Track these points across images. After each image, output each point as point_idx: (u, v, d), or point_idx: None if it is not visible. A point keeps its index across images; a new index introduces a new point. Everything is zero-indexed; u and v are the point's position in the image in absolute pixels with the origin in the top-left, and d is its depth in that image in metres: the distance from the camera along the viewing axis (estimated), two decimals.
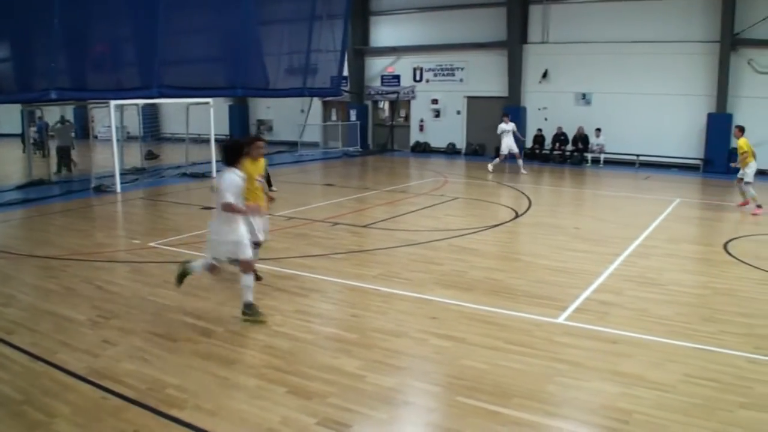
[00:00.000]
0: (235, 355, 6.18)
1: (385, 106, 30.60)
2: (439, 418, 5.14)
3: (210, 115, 20.28)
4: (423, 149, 28.84)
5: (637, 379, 5.74)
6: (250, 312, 7.00)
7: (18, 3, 14.65)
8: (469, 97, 27.84)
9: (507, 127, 21.45)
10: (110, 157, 17.23)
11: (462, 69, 27.78)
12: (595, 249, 10.73)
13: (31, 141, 22.23)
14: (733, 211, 14.93)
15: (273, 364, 5.95)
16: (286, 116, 30.26)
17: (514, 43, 25.69)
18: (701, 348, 6.48)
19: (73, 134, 22.69)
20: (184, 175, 19.73)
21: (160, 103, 25.85)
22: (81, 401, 5.25)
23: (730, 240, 11.70)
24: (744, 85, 22.61)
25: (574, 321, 7.22)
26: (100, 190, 16.60)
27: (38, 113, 23.21)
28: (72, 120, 25.85)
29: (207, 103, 19.95)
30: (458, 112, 28.20)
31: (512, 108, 25.73)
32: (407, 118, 29.84)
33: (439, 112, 28.64)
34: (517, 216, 13.66)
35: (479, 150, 27.57)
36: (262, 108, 33.02)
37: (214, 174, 18.61)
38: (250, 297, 7.01)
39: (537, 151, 25.46)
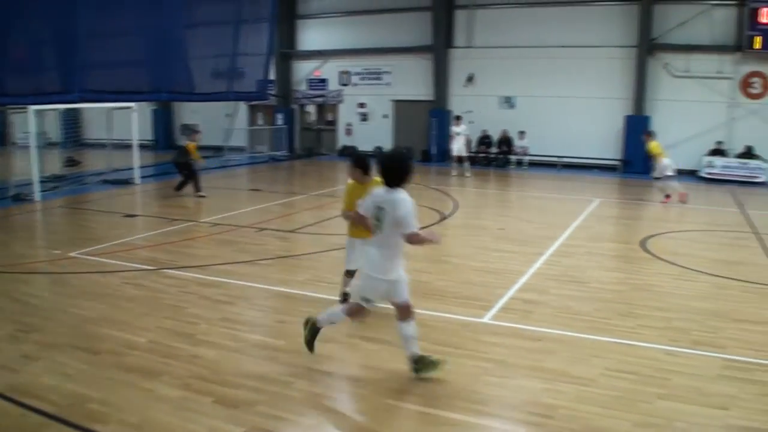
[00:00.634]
0: (159, 366, 6.03)
1: (312, 110, 30.50)
2: (368, 422, 5.14)
3: (133, 120, 19.80)
4: (350, 153, 28.81)
5: (561, 374, 5.88)
6: (423, 365, 5.80)
7: None
8: (395, 101, 28.03)
9: (458, 129, 21.66)
10: (29, 164, 16.62)
11: (389, 73, 27.95)
12: (519, 249, 10.96)
13: None
14: (650, 209, 15.48)
15: (198, 374, 5.84)
16: (212, 120, 29.77)
17: (439, 48, 26.01)
18: (621, 342, 6.70)
19: None
20: (107, 182, 19.19)
21: (81, 107, 25.06)
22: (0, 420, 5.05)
23: (648, 237, 12.14)
24: (660, 88, 23.52)
25: (499, 320, 7.35)
26: (18, 198, 15.96)
27: None
28: None
29: (130, 107, 19.45)
30: (385, 116, 28.35)
31: (438, 111, 26.06)
32: (334, 121, 29.82)
33: (366, 116, 28.73)
34: (443, 218, 13.81)
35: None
36: (187, 112, 32.40)
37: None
38: (416, 348, 5.83)
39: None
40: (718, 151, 22.82)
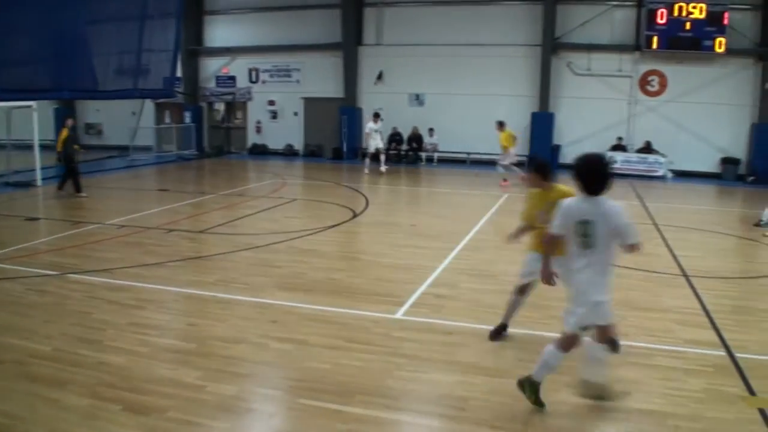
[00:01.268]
0: (65, 375, 5.77)
1: (220, 107, 29.97)
2: (282, 422, 5.10)
3: (33, 120, 18.93)
4: (261, 151, 28.55)
5: (472, 366, 5.99)
6: (599, 392, 5.32)
7: None
8: (306, 99, 27.88)
9: (376, 126, 21.63)
10: None
11: (298, 70, 27.77)
12: (430, 245, 11.09)
13: None
14: None
15: (107, 381, 5.63)
16: (117, 119, 28.85)
17: (349, 45, 26.02)
18: (530, 333, 6.89)
19: None
20: (7, 184, 18.26)
21: None
22: None
23: None
24: (564, 86, 24.29)
25: (411, 316, 7.41)
26: None
27: None
28: None
29: (30, 106, 18.60)
30: (295, 114, 28.17)
31: (348, 109, 26.08)
32: (244, 119, 29.40)
33: (276, 114, 28.46)
34: (355, 215, 13.83)
35: (317, 151, 27.69)
36: (91, 111, 31.26)
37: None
38: (602, 376, 5.34)
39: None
40: (618, 147, 23.75)
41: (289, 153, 28.18)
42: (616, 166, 23.05)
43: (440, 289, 8.47)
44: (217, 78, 29.45)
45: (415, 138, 25.30)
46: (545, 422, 5.05)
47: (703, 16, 22.29)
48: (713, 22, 22.30)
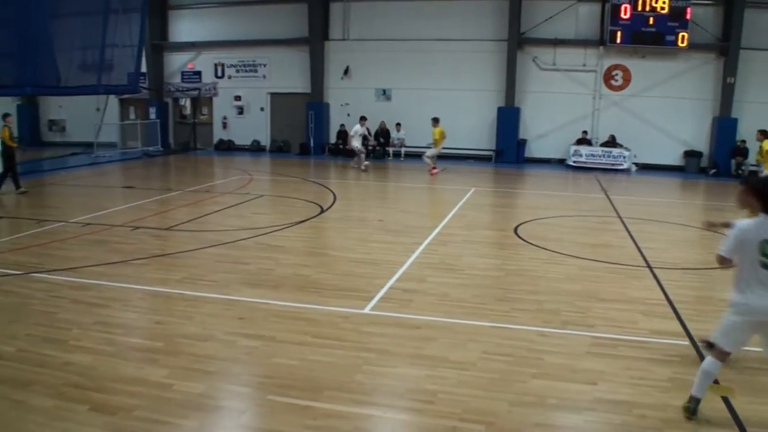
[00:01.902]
0: (30, 375, 5.65)
1: (186, 103, 29.68)
2: (251, 419, 5.05)
3: None
4: (227, 147, 28.36)
5: (441, 360, 6.00)
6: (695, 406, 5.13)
7: None
8: (272, 94, 27.74)
9: (362, 130, 21.55)
10: None
11: (264, 65, 27.61)
12: (398, 239, 11.10)
13: None
14: (522, 197, 16.07)
15: (73, 382, 5.53)
16: (81, 115, 28.40)
17: (315, 40, 25.93)
18: (497, 326, 6.92)
19: None
20: None
21: None
22: None
23: (520, 224, 12.61)
24: (530, 80, 24.49)
25: (379, 310, 7.40)
26: None
27: None
28: None
29: None
30: (262, 109, 28.02)
31: (315, 104, 26.00)
32: (210, 115, 29.15)
33: (242, 109, 28.27)
34: (322, 211, 13.79)
35: (284, 147, 27.56)
36: (54, 107, 30.70)
37: None
38: (703, 391, 5.15)
39: (341, 146, 25.89)
40: (583, 141, 24.01)
41: (255, 149, 28.02)
42: (580, 159, 23.35)
43: (408, 283, 8.48)
44: (183, 73, 29.14)
45: (383, 133, 25.31)
46: (513, 412, 5.08)
47: (666, 11, 22.61)
48: (676, 17, 22.64)
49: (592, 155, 23.54)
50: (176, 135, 29.71)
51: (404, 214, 13.73)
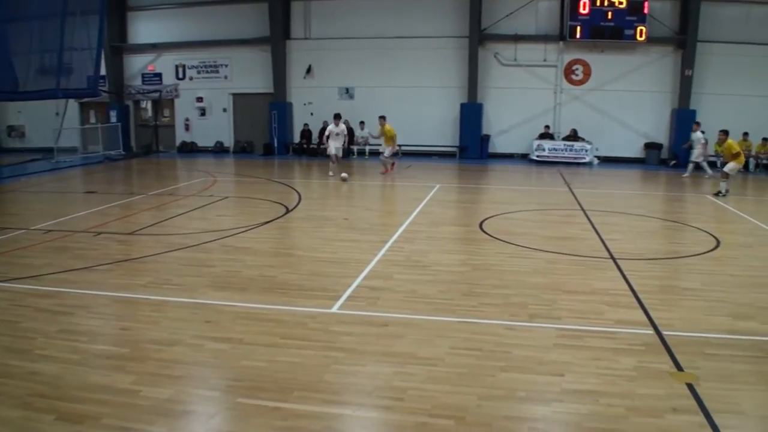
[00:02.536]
0: None
1: (147, 105, 29.32)
2: (220, 423, 5.00)
3: None
4: (190, 149, 28.08)
5: (409, 357, 6.01)
6: None
7: None
8: (234, 94, 27.54)
9: (337, 129, 21.31)
10: None
11: (226, 66, 27.39)
12: (364, 238, 11.10)
13: None
14: (487, 192, 16.17)
15: (38, 391, 5.42)
16: (40, 120, 27.89)
17: (277, 39, 25.80)
18: (464, 321, 6.96)
19: None
20: None
21: None
22: None
23: (485, 219, 12.69)
24: (492, 76, 24.66)
25: (347, 309, 7.39)
26: None
27: None
28: None
29: None
30: (224, 110, 27.79)
31: (278, 104, 25.88)
32: (172, 117, 28.84)
33: (204, 111, 28.02)
34: (287, 211, 13.73)
35: (248, 147, 27.40)
36: (13, 113, 30.07)
37: None
38: None
39: (305, 146, 25.81)
40: (546, 135, 24.24)
41: (219, 150, 27.81)
42: (543, 154, 23.58)
43: (375, 281, 8.48)
44: (143, 75, 28.78)
45: (347, 132, 25.25)
46: (482, 406, 5.11)
47: (624, 5, 22.93)
48: (634, 12, 22.99)
49: (555, 149, 23.80)
50: (138, 138, 29.32)
51: (370, 212, 13.75)
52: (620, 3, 22.96)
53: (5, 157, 26.34)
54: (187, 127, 28.39)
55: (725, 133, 17.32)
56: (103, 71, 24.62)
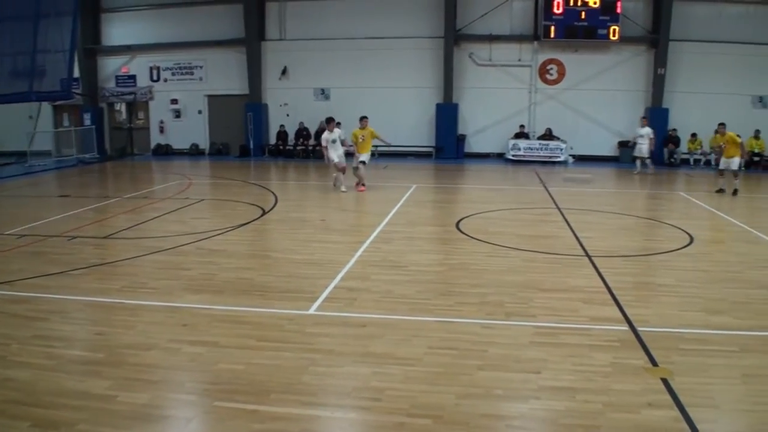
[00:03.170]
0: None
1: (121, 108, 29.05)
2: (198, 426, 4.97)
3: None
4: (165, 152, 27.88)
5: (387, 357, 6.01)
6: None
7: None
8: (210, 96, 27.38)
9: (332, 136, 21.04)
10: None
11: (201, 67, 27.23)
12: (341, 239, 11.10)
13: None
14: (463, 192, 16.22)
15: (13, 398, 5.34)
16: (13, 124, 27.46)
17: (252, 41, 25.71)
18: (441, 320, 6.98)
19: None
20: None
21: None
22: None
23: (462, 219, 12.74)
24: (467, 76, 24.75)
25: (324, 310, 7.37)
26: None
27: None
28: None
29: None
30: (200, 112, 27.63)
31: (254, 105, 25.79)
32: (146, 120, 28.60)
33: (179, 113, 27.82)
34: (264, 213, 13.67)
35: (223, 149, 27.26)
36: None
37: None
38: None
39: (281, 147, 25.72)
40: (521, 134, 24.38)
41: (194, 152, 27.64)
42: (519, 153, 23.72)
43: (352, 282, 8.47)
44: (117, 77, 28.51)
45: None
46: (460, 405, 5.13)
47: (597, 5, 23.14)
48: (607, 11, 23.22)
49: (530, 148, 23.96)
50: (112, 141, 29.03)
51: (346, 213, 13.73)
52: (594, 3, 23.16)
53: None
54: (161, 130, 28.18)
55: (723, 125, 17.41)
56: (76, 74, 24.38)
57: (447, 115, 24.59)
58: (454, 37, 24.24)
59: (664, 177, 20.78)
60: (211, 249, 10.53)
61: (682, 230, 12.08)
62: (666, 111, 23.93)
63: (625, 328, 6.86)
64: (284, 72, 26.03)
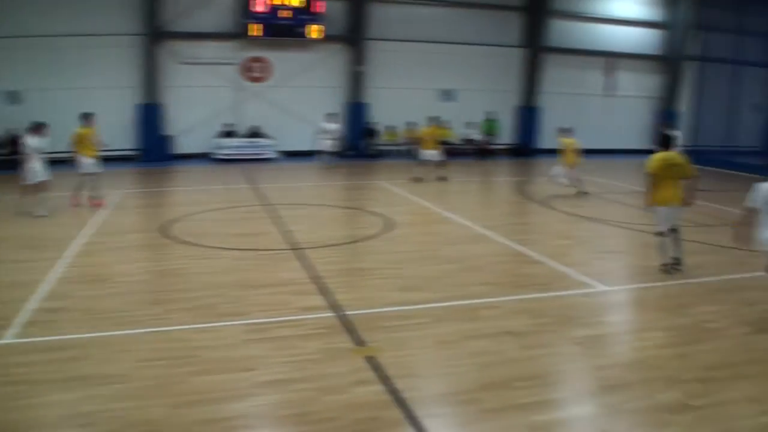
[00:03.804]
0: None
1: None
2: None
3: None
4: None
5: (94, 378, 5.69)
6: None
7: None
8: None
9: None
10: None
11: None
12: (36, 256, 9.97)
13: None
14: (170, 195, 15.78)
15: None
16: None
17: None
18: (150, 331, 6.79)
19: None
20: None
21: None
22: None
23: (169, 222, 12.40)
24: (171, 75, 24.00)
25: (21, 338, 6.69)
26: None
27: None
28: None
29: None
30: None
31: None
32: None
33: None
34: None
35: None
36: None
37: None
38: None
39: None
40: (228, 133, 24.30)
41: None
42: (226, 152, 23.67)
43: (52, 302, 7.78)
44: None
45: (11, 141, 22.77)
46: (175, 415, 5.03)
47: (299, 4, 23.79)
48: (308, 11, 24.02)
49: (238, 147, 24.00)
50: None
51: (38, 227, 12.32)
52: (295, 2, 23.79)
53: None
54: None
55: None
56: None
57: (149, 115, 23.64)
58: (155, 34, 23.33)
59: (365, 167, 22.07)
60: None
61: (384, 216, 12.98)
62: (365, 106, 25.43)
63: (333, 314, 7.24)
64: None
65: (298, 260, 9.65)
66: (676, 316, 7.43)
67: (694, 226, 11.63)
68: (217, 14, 24.14)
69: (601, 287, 8.59)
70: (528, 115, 28.05)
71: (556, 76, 28.33)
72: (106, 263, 9.60)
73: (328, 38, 24.71)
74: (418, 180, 18.14)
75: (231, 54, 24.47)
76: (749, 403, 5.33)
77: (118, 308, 7.49)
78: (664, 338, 6.75)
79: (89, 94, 22.97)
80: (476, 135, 26.45)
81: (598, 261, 10.06)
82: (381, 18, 25.37)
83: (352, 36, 25.21)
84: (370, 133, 25.68)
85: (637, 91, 30.22)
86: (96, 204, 14.13)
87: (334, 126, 21.87)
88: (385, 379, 5.67)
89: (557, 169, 16.25)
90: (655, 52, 30.01)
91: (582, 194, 15.93)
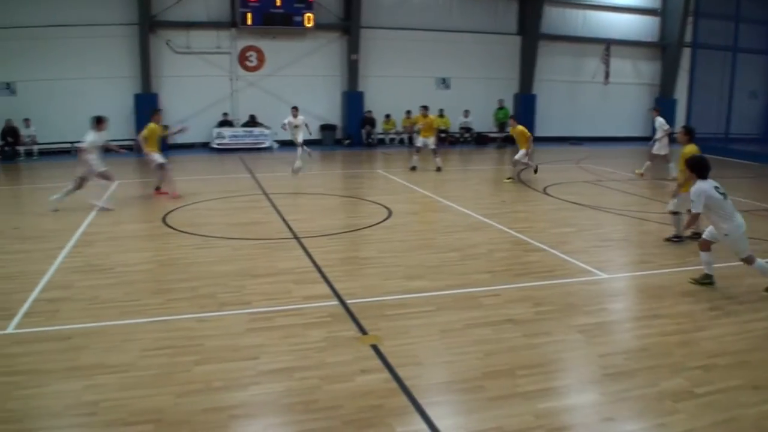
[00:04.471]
0: None
1: None
2: None
3: None
4: None
5: (97, 367, 5.70)
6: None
7: None
8: None
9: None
10: None
11: None
12: (37, 247, 10.06)
13: None
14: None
15: None
16: None
17: None
18: (153, 320, 6.79)
19: None
20: None
21: None
22: None
23: (169, 212, 12.39)
24: (165, 65, 23.96)
25: (24, 327, 6.71)
26: None
27: None
28: None
29: None
30: None
31: None
32: None
33: None
34: None
35: None
36: None
37: None
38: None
39: None
40: (225, 123, 24.28)
41: None
42: (224, 141, 23.64)
43: (53, 292, 7.80)
44: None
45: (10, 131, 22.72)
46: (180, 404, 5.05)
47: None
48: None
49: (235, 136, 23.99)
50: None
51: (41, 218, 12.43)
52: None
53: None
54: None
55: (426, 108, 18.94)
56: None
57: (146, 105, 23.49)
58: (149, 23, 23.25)
59: (365, 156, 22.05)
60: None
61: (382, 205, 12.98)
62: (361, 94, 25.39)
63: (336, 302, 7.25)
64: None
65: (298, 249, 9.66)
66: (679, 303, 7.46)
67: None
68: (210, 3, 24.08)
69: (603, 275, 8.62)
70: (524, 103, 28.05)
71: (552, 63, 28.35)
72: (106, 253, 9.57)
73: (322, 27, 24.72)
74: (413, 169, 18.16)
75: (224, 43, 24.41)
76: (754, 391, 5.35)
77: (120, 298, 7.50)
78: (667, 325, 6.77)
79: (84, 84, 22.92)
80: (492, 126, 26.67)
81: (599, 249, 10.08)
82: (376, 6, 25.35)
83: (346, 24, 25.14)
84: (368, 122, 25.66)
85: (634, 78, 30.25)
86: (175, 196, 14.29)
87: (300, 119, 21.45)
88: (388, 367, 5.69)
89: (521, 153, 16.98)
90: (651, 39, 30.03)
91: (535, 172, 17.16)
